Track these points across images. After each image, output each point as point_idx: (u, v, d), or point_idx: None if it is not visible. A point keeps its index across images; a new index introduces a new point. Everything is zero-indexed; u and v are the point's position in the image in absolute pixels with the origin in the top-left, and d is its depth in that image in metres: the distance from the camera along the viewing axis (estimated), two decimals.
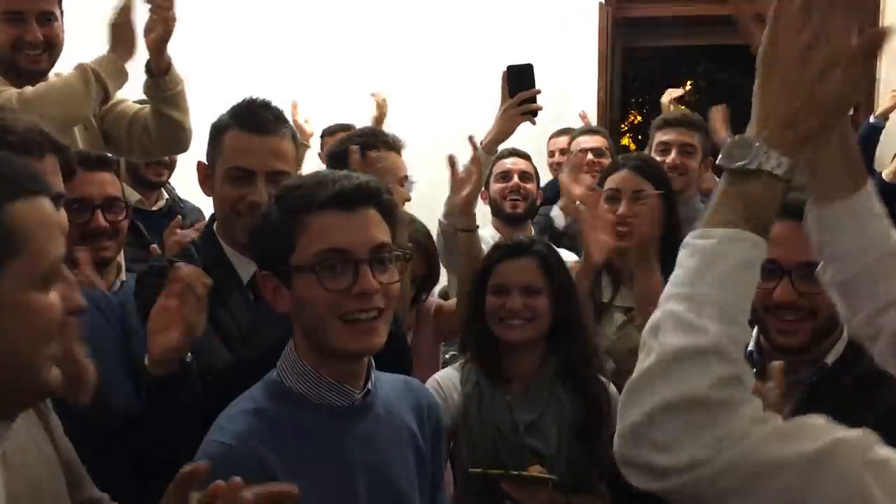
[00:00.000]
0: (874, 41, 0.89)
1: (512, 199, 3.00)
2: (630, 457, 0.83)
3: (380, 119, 3.65)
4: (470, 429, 1.84)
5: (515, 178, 3.01)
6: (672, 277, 0.89)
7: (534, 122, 2.28)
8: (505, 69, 2.27)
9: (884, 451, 0.80)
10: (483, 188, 2.76)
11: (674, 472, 0.80)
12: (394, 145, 2.12)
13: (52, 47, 2.30)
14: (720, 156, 0.90)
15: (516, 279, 1.88)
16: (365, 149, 2.19)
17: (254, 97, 1.69)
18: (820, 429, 0.81)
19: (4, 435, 0.96)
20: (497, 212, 3.04)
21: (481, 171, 2.17)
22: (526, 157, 3.15)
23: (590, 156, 3.20)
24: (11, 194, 0.90)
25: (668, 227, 2.05)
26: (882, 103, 3.34)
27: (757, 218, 0.88)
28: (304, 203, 1.25)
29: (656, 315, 0.87)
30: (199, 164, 1.71)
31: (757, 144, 0.87)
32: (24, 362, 0.92)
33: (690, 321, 0.83)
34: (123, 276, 2.08)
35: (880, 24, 3.87)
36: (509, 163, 3.08)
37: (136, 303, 1.61)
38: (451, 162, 2.18)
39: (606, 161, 3.03)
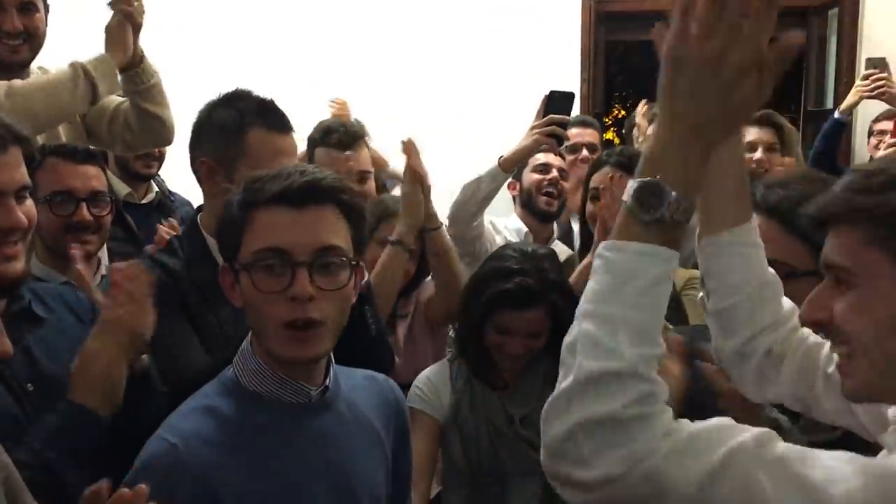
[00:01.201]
0: (789, 47, 0.88)
1: (547, 193, 2.87)
2: (554, 471, 0.88)
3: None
4: (462, 425, 1.86)
5: (554, 172, 2.90)
6: (586, 291, 0.91)
7: (555, 149, 2.40)
8: (548, 92, 2.34)
9: (779, 449, 0.84)
10: (511, 178, 2.81)
11: (593, 487, 0.85)
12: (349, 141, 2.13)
13: (33, 38, 2.29)
14: (631, 196, 0.89)
15: (522, 328, 1.81)
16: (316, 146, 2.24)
17: (255, 94, 1.70)
18: (719, 437, 0.84)
19: None
20: (529, 204, 2.91)
21: (421, 173, 2.10)
22: (561, 156, 3.11)
23: (584, 152, 3.22)
24: None
25: None
26: (846, 100, 3.42)
27: (668, 241, 0.89)
28: (254, 197, 1.21)
29: (573, 331, 0.90)
30: (203, 161, 1.68)
31: (668, 190, 0.87)
32: None
33: (606, 344, 0.86)
34: (104, 270, 2.11)
35: (858, 36, 3.91)
36: (547, 157, 2.95)
37: None
38: (394, 174, 2.16)
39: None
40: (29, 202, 1.35)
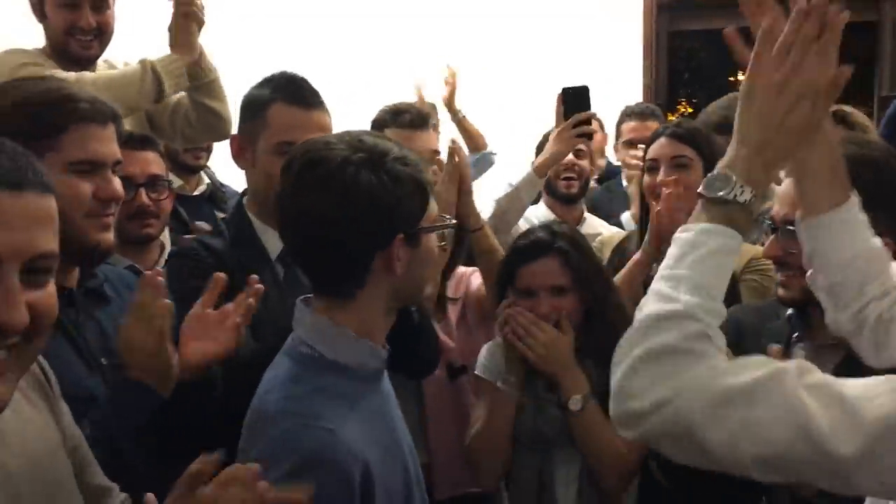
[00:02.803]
0: (839, 79, 1.06)
1: (566, 177, 3.00)
2: (617, 413, 0.99)
3: (451, 96, 3.69)
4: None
5: (570, 156, 2.96)
6: (661, 265, 1.06)
7: (588, 146, 2.40)
8: (560, 92, 2.37)
9: (819, 376, 0.95)
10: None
11: (644, 416, 0.95)
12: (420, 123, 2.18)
13: (104, 34, 2.43)
14: (703, 185, 1.07)
15: (540, 281, 1.89)
16: (386, 128, 2.28)
17: (290, 72, 1.78)
18: (760, 363, 0.97)
19: None
20: (551, 191, 3.06)
21: (462, 174, 2.14)
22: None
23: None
24: None
25: None
26: None
27: (731, 223, 1.05)
28: (417, 173, 1.32)
29: (644, 297, 1.04)
30: (234, 137, 1.78)
31: (734, 178, 1.05)
32: None
33: (667, 293, 1.01)
34: (166, 255, 2.19)
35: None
36: None
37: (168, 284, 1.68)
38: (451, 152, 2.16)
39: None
40: (117, 179, 1.47)
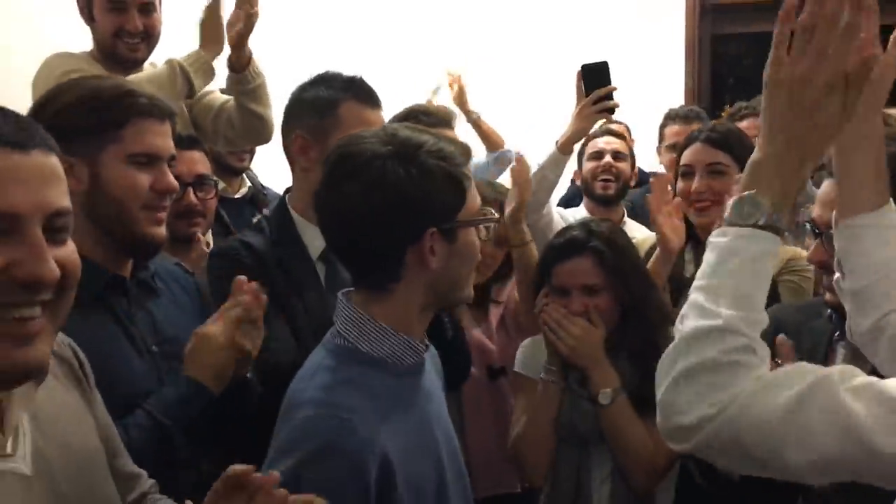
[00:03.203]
0: (864, 69, 1.00)
1: (603, 179, 3.04)
2: (665, 428, 1.00)
3: (461, 97, 3.61)
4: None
5: (608, 158, 3.05)
6: (698, 272, 1.05)
7: (610, 120, 2.38)
8: (580, 68, 2.39)
9: (862, 378, 0.95)
10: (576, 168, 2.99)
11: (690, 432, 0.97)
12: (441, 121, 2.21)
13: (150, 37, 2.50)
14: (730, 209, 1.04)
15: (574, 280, 1.93)
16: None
17: (346, 73, 1.83)
18: (803, 371, 0.98)
19: (33, 396, 1.01)
20: (589, 192, 3.09)
21: (527, 186, 2.20)
22: (620, 136, 3.19)
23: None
24: None
25: None
26: None
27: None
28: (462, 161, 1.33)
29: (684, 307, 1.04)
30: (297, 135, 1.79)
31: (763, 203, 1.02)
32: None
33: (707, 307, 1.00)
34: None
35: None
36: (602, 142, 3.12)
37: (209, 283, 1.74)
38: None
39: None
40: (128, 169, 1.50)
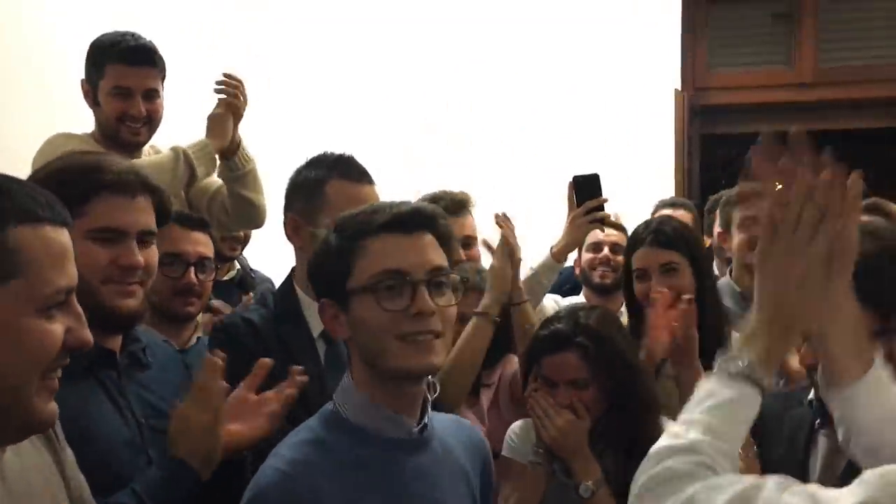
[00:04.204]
0: (849, 246, 1.12)
1: (602, 269, 3.14)
2: None
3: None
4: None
5: (606, 250, 3.15)
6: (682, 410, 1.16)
7: (602, 230, 2.56)
8: (571, 179, 2.53)
9: (801, 486, 1.02)
10: (576, 256, 3.10)
11: None
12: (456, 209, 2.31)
13: (152, 121, 2.61)
14: (719, 364, 1.16)
15: (560, 375, 1.96)
16: None
17: (342, 153, 1.93)
18: (743, 477, 1.05)
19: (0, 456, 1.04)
20: (587, 281, 3.20)
21: (512, 247, 2.29)
22: (620, 228, 3.24)
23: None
24: (12, 220, 1.01)
25: (701, 305, 2.17)
26: None
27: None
28: (362, 228, 1.36)
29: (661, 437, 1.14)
30: (290, 217, 1.91)
31: (747, 358, 1.13)
32: (13, 386, 0.99)
33: (677, 432, 1.11)
34: (200, 333, 2.32)
35: None
36: (601, 235, 3.19)
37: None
38: (486, 244, 2.37)
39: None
40: (153, 249, 1.57)
